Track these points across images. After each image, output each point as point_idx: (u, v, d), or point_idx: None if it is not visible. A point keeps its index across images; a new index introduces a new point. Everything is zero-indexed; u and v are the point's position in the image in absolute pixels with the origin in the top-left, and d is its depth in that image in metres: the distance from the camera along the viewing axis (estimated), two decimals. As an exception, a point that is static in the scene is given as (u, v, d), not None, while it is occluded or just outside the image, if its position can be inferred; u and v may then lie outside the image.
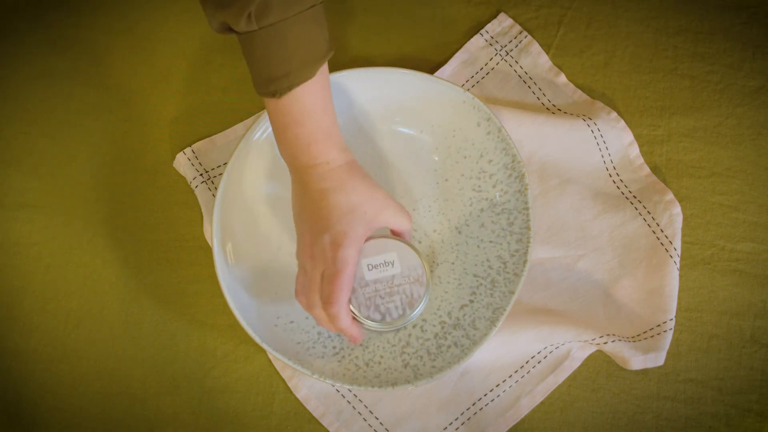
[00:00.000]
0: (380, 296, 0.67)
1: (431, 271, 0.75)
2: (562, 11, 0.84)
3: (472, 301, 0.73)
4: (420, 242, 0.76)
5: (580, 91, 0.82)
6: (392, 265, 0.68)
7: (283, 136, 0.64)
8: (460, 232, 0.76)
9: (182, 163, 0.78)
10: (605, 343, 0.72)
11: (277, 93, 0.60)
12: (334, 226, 0.62)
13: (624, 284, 0.76)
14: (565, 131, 0.78)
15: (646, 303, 0.75)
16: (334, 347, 0.72)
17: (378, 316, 0.66)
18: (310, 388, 0.73)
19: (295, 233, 0.66)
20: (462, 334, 0.71)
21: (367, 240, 0.68)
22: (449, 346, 0.71)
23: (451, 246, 0.76)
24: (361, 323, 0.68)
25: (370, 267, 0.67)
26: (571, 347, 0.73)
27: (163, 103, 0.81)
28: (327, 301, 0.62)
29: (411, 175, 0.78)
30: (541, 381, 0.74)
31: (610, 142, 0.79)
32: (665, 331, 0.73)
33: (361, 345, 0.72)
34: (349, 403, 0.73)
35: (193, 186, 0.77)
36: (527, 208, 0.73)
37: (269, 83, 0.60)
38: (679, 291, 0.75)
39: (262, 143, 0.74)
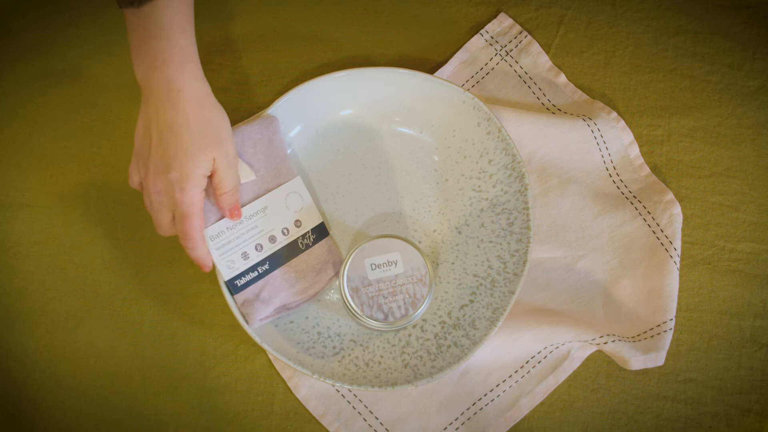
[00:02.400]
0: (383, 296, 0.67)
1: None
2: (562, 11, 0.84)
3: (472, 301, 0.73)
4: (420, 242, 0.76)
5: (580, 91, 0.82)
6: (395, 264, 0.68)
7: (139, 52, 0.63)
8: (460, 232, 0.76)
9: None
10: (605, 343, 0.72)
11: (136, 1, 0.60)
12: (180, 168, 0.63)
13: (624, 284, 0.76)
14: (565, 131, 0.78)
15: (646, 303, 0.75)
16: (334, 347, 0.72)
17: (381, 316, 0.67)
18: (310, 388, 0.73)
19: (134, 148, 0.66)
20: (462, 334, 0.72)
21: (370, 240, 0.68)
22: (449, 346, 0.71)
23: (451, 246, 0.76)
24: (363, 322, 0.68)
25: (374, 266, 0.68)
26: (571, 347, 0.73)
27: (163, 103, 0.81)
28: (184, 238, 0.66)
29: (411, 175, 0.78)
30: (541, 381, 0.74)
31: (610, 142, 0.79)
32: (665, 331, 0.73)
33: (361, 345, 0.72)
34: (349, 403, 0.73)
35: (193, 186, 0.77)
36: (527, 208, 0.73)
37: None
38: (679, 291, 0.76)
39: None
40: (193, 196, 0.64)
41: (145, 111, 0.64)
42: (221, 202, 0.68)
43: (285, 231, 0.72)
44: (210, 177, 0.66)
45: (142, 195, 0.67)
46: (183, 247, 0.66)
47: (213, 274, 0.74)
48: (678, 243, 0.76)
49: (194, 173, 0.63)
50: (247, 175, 0.71)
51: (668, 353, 0.73)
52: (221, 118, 0.66)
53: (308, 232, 0.73)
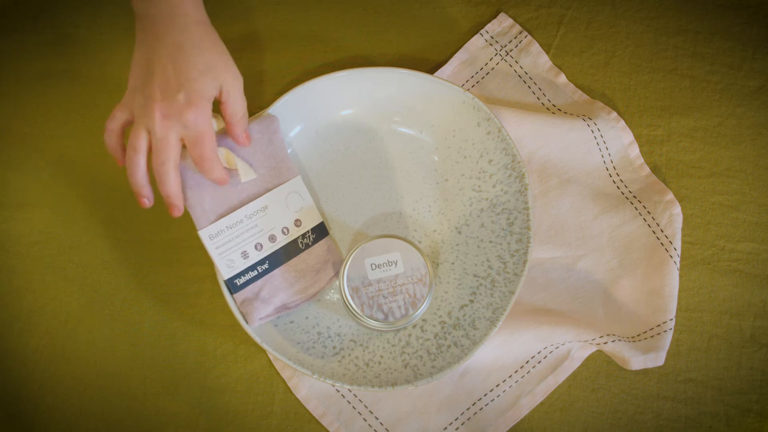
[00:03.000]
0: (383, 296, 0.67)
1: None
2: (562, 11, 0.84)
3: (472, 301, 0.73)
4: (420, 242, 0.76)
5: (580, 91, 0.82)
6: (395, 264, 0.68)
7: None
8: (460, 232, 0.76)
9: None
10: (605, 343, 0.72)
11: None
12: (191, 83, 0.61)
13: (624, 284, 0.76)
14: (565, 131, 0.78)
15: (646, 303, 0.75)
16: (334, 347, 0.72)
17: (381, 316, 0.67)
18: (310, 388, 0.73)
19: (129, 87, 0.64)
20: (462, 334, 0.72)
21: (370, 240, 0.68)
22: (449, 346, 0.71)
23: (451, 246, 0.76)
24: (362, 320, 0.68)
25: (374, 266, 0.67)
26: (571, 347, 0.73)
27: (163, 103, 0.81)
28: (201, 160, 0.64)
29: (411, 175, 0.78)
30: (541, 381, 0.74)
31: (610, 142, 0.79)
32: (665, 331, 0.73)
33: (361, 345, 0.72)
34: (349, 403, 0.73)
35: (193, 186, 0.77)
36: (527, 208, 0.73)
37: None
38: (679, 291, 0.76)
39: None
40: (206, 114, 0.62)
41: (146, 43, 0.63)
42: (236, 128, 0.67)
43: (285, 230, 0.72)
44: (221, 106, 0.65)
45: (121, 136, 0.65)
46: (201, 171, 0.65)
47: (213, 273, 0.74)
48: (678, 243, 0.76)
49: (205, 90, 0.62)
50: (247, 174, 0.71)
51: (668, 353, 0.73)
52: (223, 45, 0.65)
53: (308, 231, 0.73)
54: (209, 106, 0.63)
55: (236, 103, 0.65)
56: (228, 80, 0.64)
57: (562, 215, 0.77)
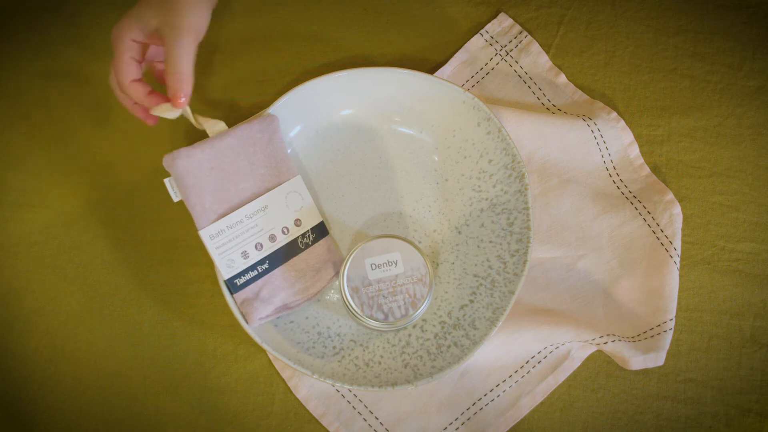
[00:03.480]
0: (383, 296, 0.67)
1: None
2: (562, 11, 0.84)
3: (472, 301, 0.73)
4: (420, 242, 0.76)
5: (580, 91, 0.82)
6: (395, 264, 0.68)
7: None
8: (460, 232, 0.76)
9: (182, 162, 0.78)
10: (605, 343, 0.72)
11: None
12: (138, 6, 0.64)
13: (624, 284, 0.76)
14: (565, 131, 0.78)
15: (646, 303, 0.75)
16: (334, 347, 0.72)
17: (381, 316, 0.67)
18: (310, 388, 0.73)
19: None
20: (462, 334, 0.72)
21: (370, 240, 0.68)
22: (449, 346, 0.71)
23: (451, 246, 0.76)
24: (362, 320, 0.68)
25: (374, 266, 0.68)
26: (571, 347, 0.73)
27: (163, 103, 0.81)
28: (115, 86, 0.67)
29: (411, 175, 0.78)
30: (541, 381, 0.74)
31: (610, 142, 0.79)
32: (665, 331, 0.73)
33: (361, 345, 0.72)
34: (349, 403, 0.73)
35: (193, 186, 0.77)
36: (527, 208, 0.73)
37: None
38: (679, 291, 0.76)
39: (262, 143, 0.74)
40: (115, 32, 0.64)
41: None
42: (166, 80, 0.64)
43: (285, 230, 0.72)
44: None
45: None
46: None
47: (213, 273, 0.74)
48: (678, 243, 0.76)
49: (128, 16, 0.63)
50: (213, 127, 0.71)
51: (668, 353, 0.73)
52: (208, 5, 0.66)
53: (308, 231, 0.73)
54: (124, 31, 0.63)
55: (171, 55, 0.63)
56: (164, 22, 0.63)
57: (562, 215, 0.77)
